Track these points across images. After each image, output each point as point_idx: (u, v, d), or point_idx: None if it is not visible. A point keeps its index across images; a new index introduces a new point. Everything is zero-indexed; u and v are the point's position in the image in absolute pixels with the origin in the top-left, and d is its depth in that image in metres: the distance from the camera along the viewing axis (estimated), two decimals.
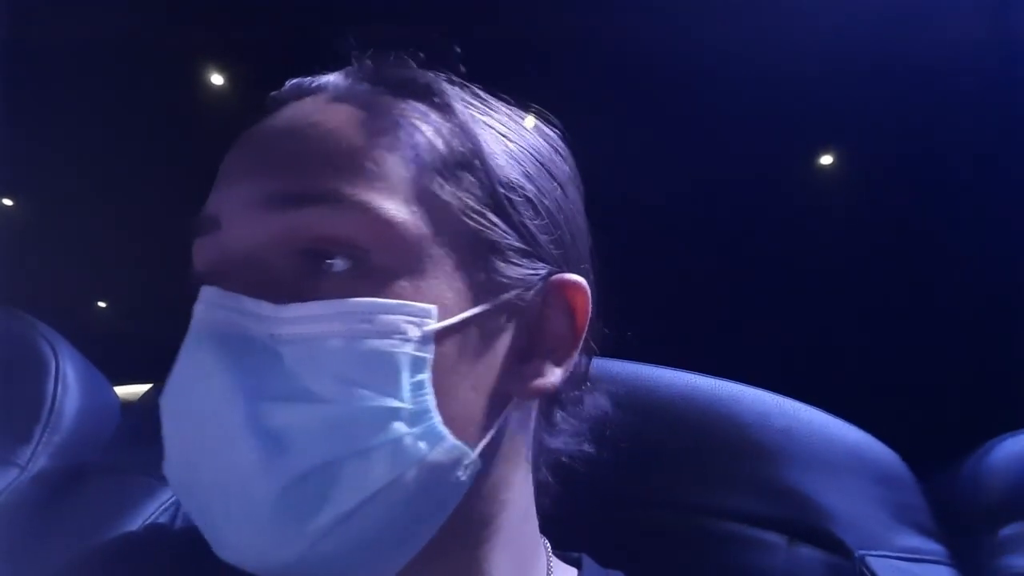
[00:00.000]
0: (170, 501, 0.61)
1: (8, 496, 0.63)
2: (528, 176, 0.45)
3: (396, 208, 0.40)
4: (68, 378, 0.70)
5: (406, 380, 0.38)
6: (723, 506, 0.62)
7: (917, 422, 1.08)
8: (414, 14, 1.22)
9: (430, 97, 0.44)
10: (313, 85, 0.46)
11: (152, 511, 0.60)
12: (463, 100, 0.45)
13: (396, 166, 0.41)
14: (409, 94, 0.44)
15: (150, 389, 0.72)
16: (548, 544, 0.52)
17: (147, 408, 0.70)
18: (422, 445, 0.38)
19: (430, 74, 0.46)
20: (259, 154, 0.42)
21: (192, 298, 0.40)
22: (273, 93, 0.47)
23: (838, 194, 1.34)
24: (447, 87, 0.45)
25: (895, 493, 0.63)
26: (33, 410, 0.67)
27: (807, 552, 0.60)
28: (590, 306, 0.46)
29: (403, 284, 0.39)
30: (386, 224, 0.39)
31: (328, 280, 0.39)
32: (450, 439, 0.39)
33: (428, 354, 0.38)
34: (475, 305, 0.41)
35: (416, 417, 0.38)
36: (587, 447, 0.52)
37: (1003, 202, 1.20)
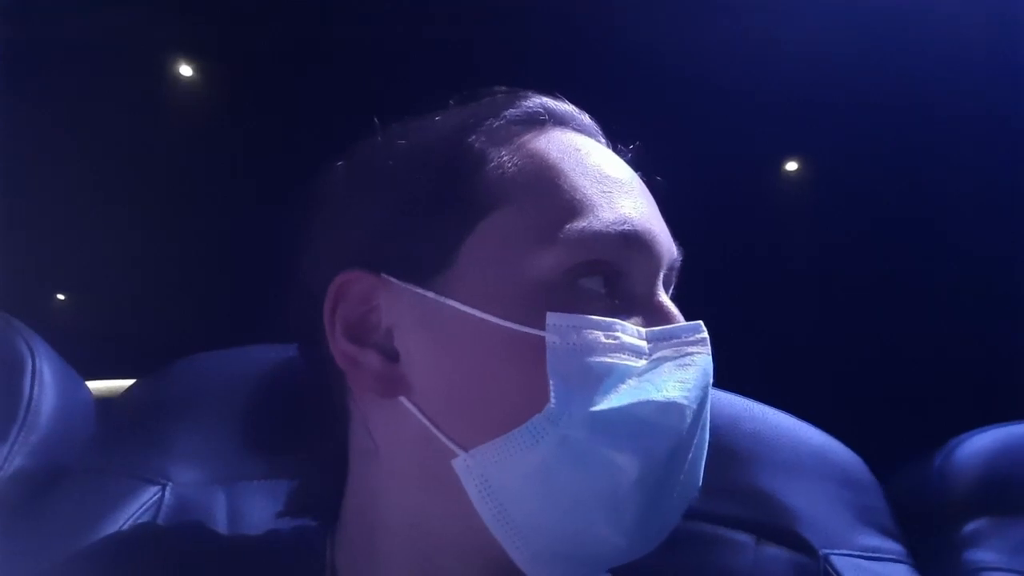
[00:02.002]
0: (152, 500, 0.62)
1: None
2: None
3: None
4: (44, 376, 0.69)
5: None
6: (693, 507, 0.64)
7: (880, 423, 1.11)
8: (389, 11, 1.23)
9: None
10: (593, 126, 0.51)
11: (135, 511, 0.60)
12: None
13: None
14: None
15: (130, 388, 0.71)
16: None
17: (126, 408, 0.70)
18: None
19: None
20: (628, 172, 0.48)
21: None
22: (563, 109, 0.50)
23: (801, 199, 1.37)
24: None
25: (858, 495, 0.66)
26: (9, 409, 0.66)
27: (774, 551, 0.62)
28: None
29: None
30: None
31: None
32: None
33: None
34: None
35: None
36: None
37: (967, 207, 1.24)
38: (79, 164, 1.37)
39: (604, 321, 0.41)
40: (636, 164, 0.50)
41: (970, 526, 0.66)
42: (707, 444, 0.46)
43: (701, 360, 0.43)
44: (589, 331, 0.41)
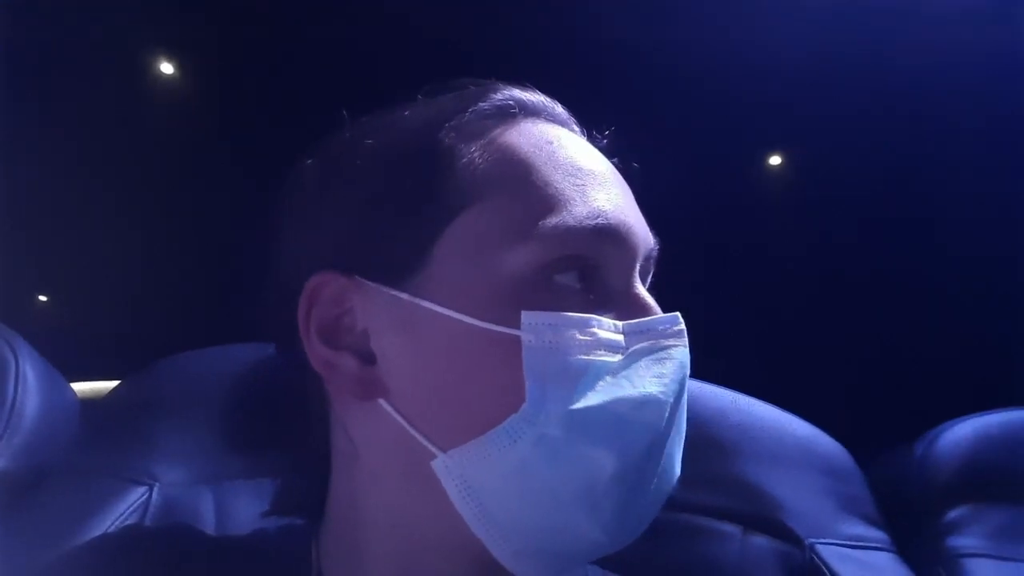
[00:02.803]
0: (139, 501, 0.61)
1: None
2: None
3: None
4: (28, 378, 0.69)
5: None
6: (680, 499, 0.64)
7: (863, 414, 1.12)
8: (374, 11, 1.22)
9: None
10: (565, 115, 0.50)
11: (122, 511, 0.60)
12: None
13: None
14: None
15: (114, 389, 0.71)
16: None
17: (111, 409, 0.70)
18: None
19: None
20: (606, 165, 0.47)
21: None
22: (538, 100, 0.49)
23: (785, 194, 1.38)
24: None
25: (842, 484, 0.66)
26: None
27: (760, 541, 0.63)
28: None
29: None
30: None
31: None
32: None
33: None
34: None
35: None
36: None
37: (951, 199, 1.25)
38: (60, 165, 1.36)
39: (580, 318, 0.41)
40: (611, 151, 0.50)
41: (952, 513, 0.67)
42: (684, 435, 0.46)
43: (678, 353, 0.43)
44: (565, 329, 0.40)
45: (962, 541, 0.66)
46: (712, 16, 1.20)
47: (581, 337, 0.41)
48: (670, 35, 1.22)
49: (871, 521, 0.66)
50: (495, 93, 0.47)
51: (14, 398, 0.67)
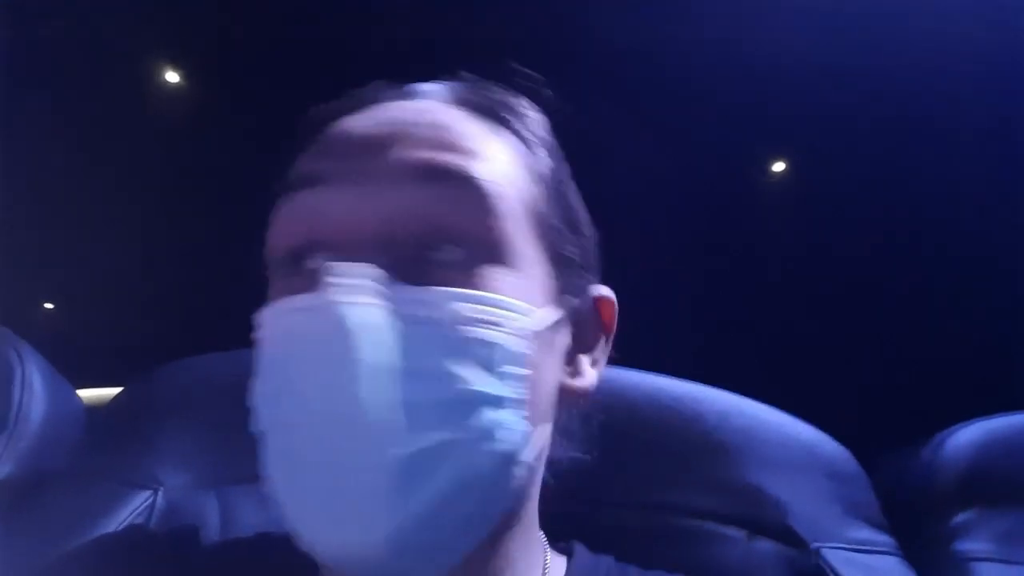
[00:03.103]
0: (144, 505, 0.61)
1: None
2: (580, 200, 0.50)
3: (513, 206, 0.43)
4: (34, 384, 0.69)
5: (510, 371, 0.40)
6: (685, 503, 0.65)
7: (868, 417, 1.12)
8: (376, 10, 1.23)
9: (525, 119, 0.48)
10: (415, 91, 0.48)
11: (125, 516, 0.60)
12: (548, 127, 0.50)
13: (512, 172, 0.44)
14: (510, 116, 0.48)
15: (119, 394, 0.71)
16: (544, 536, 0.54)
17: (115, 414, 0.70)
18: (514, 435, 0.40)
19: (523, 100, 0.49)
20: (395, 129, 0.42)
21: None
22: (358, 90, 0.48)
23: (788, 196, 1.38)
24: (539, 114, 0.50)
25: (847, 488, 0.66)
26: None
27: (766, 545, 0.62)
28: (616, 315, 0.51)
29: (510, 280, 0.41)
30: (503, 218, 0.42)
31: (441, 266, 0.40)
32: (530, 431, 0.42)
33: (528, 350, 0.41)
34: (556, 309, 0.45)
35: (514, 408, 0.40)
36: (576, 454, 0.54)
37: (953, 200, 1.25)
38: (66, 172, 1.37)
39: (269, 308, 0.41)
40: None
41: (959, 517, 0.66)
42: (393, 402, 0.37)
43: (316, 327, 0.38)
44: (264, 320, 0.41)
45: (969, 545, 0.66)
46: (715, 21, 1.21)
47: (269, 326, 0.41)
48: (673, 40, 1.22)
49: (877, 525, 0.66)
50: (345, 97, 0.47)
51: (20, 403, 0.68)
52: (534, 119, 0.49)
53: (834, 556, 0.61)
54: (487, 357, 0.39)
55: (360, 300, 0.37)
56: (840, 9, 1.21)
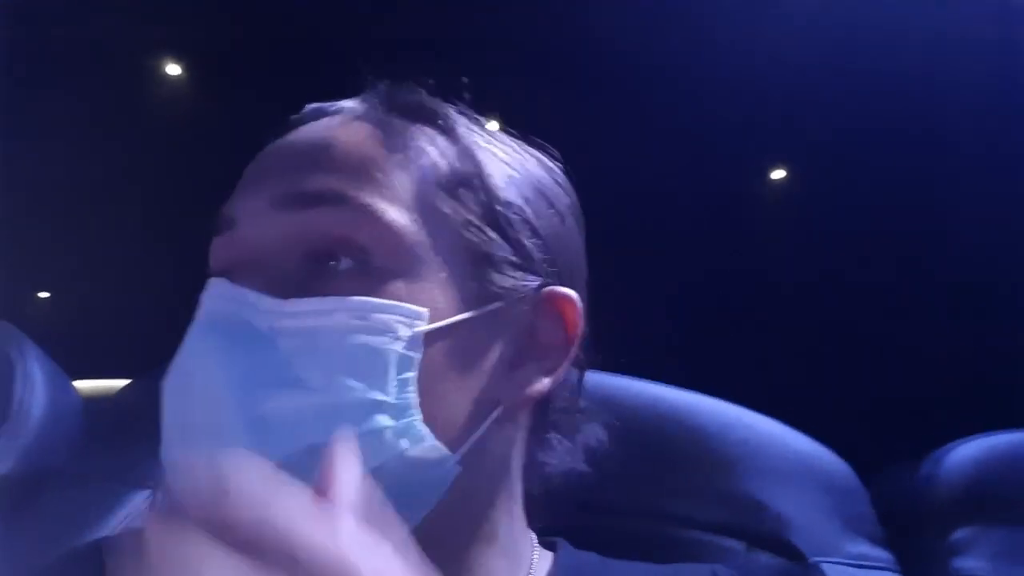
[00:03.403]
0: (143, 505, 0.61)
1: None
2: (526, 199, 0.48)
3: (397, 214, 0.43)
4: (34, 379, 0.69)
5: (392, 376, 0.40)
6: (684, 514, 0.65)
7: (868, 431, 1.12)
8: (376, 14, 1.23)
9: (437, 122, 0.48)
10: (332, 108, 0.49)
11: (124, 516, 0.60)
12: (467, 127, 0.49)
13: (401, 178, 0.44)
14: (419, 118, 0.48)
15: (119, 392, 0.71)
16: (535, 537, 0.54)
17: (114, 413, 0.70)
18: (402, 440, 0.40)
19: (438, 101, 0.49)
20: (276, 161, 0.46)
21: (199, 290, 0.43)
22: (293, 116, 0.50)
23: (789, 207, 1.38)
24: (453, 114, 0.49)
25: (847, 502, 0.66)
26: None
27: (764, 559, 0.62)
28: (581, 319, 0.48)
29: (399, 286, 0.41)
30: (387, 228, 0.42)
31: (331, 279, 0.41)
32: (430, 438, 0.41)
33: (416, 354, 0.41)
34: (466, 311, 0.43)
35: (399, 412, 0.40)
36: (580, 466, 0.54)
37: (958, 217, 1.25)
38: (66, 164, 1.36)
39: None
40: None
41: (958, 534, 0.67)
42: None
43: (187, 346, 0.42)
44: None
45: (966, 562, 0.66)
46: (713, 28, 1.21)
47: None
48: (671, 46, 1.22)
49: (875, 540, 0.66)
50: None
51: (20, 398, 0.67)
52: (453, 120, 0.49)
53: (832, 571, 0.61)
54: (366, 362, 0.39)
55: (220, 318, 0.41)
56: (840, 17, 1.21)
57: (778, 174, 1.39)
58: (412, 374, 0.40)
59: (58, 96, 1.32)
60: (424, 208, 0.44)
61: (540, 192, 0.49)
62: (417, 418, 0.40)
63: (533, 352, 0.47)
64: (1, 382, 0.68)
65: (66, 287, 1.50)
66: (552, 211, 0.50)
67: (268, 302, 0.40)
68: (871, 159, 1.29)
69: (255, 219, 0.43)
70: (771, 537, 0.63)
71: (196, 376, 0.40)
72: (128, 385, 0.71)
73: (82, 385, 0.83)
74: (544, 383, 0.47)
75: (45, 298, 1.51)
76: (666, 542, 0.64)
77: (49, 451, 0.68)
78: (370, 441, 0.38)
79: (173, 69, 1.42)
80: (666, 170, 1.26)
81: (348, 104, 0.49)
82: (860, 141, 1.29)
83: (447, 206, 0.45)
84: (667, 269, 1.22)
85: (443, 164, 0.46)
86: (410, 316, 0.41)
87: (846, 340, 1.26)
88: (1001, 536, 0.67)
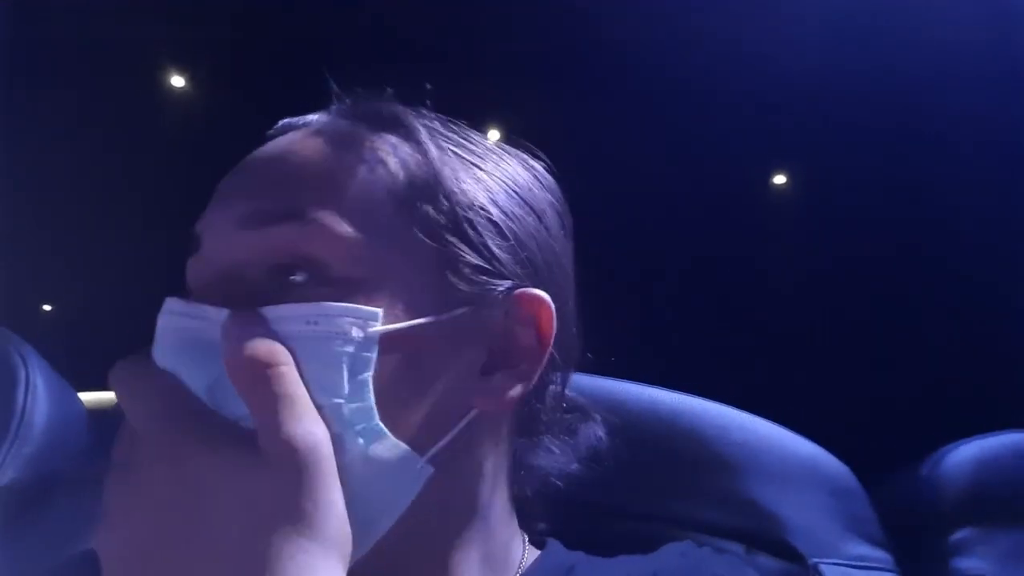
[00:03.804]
0: None
1: None
2: (494, 202, 0.48)
3: (351, 226, 0.43)
4: (38, 388, 0.69)
5: (346, 379, 0.40)
6: (684, 516, 0.65)
7: (868, 433, 1.12)
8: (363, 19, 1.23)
9: (398, 128, 0.48)
10: (300, 123, 0.50)
11: None
12: (430, 131, 0.49)
13: (358, 189, 0.45)
14: (381, 127, 0.48)
15: None
16: (526, 537, 0.54)
17: (118, 423, 0.70)
18: (360, 441, 0.40)
19: (399, 108, 0.49)
20: (241, 179, 0.47)
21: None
22: (268, 132, 0.51)
23: (790, 210, 1.38)
24: (414, 120, 0.49)
25: (846, 503, 0.66)
26: (2, 421, 0.66)
27: (764, 561, 0.63)
28: (554, 320, 0.48)
29: (357, 295, 0.42)
30: (341, 240, 0.43)
31: (292, 291, 0.42)
32: (391, 439, 0.41)
33: (372, 354, 0.41)
34: (434, 316, 0.44)
35: (357, 415, 0.40)
36: (576, 467, 0.54)
37: (959, 219, 1.25)
38: (71, 174, 1.37)
39: None
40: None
41: (957, 535, 0.67)
42: None
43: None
44: None
45: (967, 563, 0.66)
46: (715, 31, 1.21)
47: None
48: (673, 48, 1.22)
49: (875, 542, 0.66)
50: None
51: (24, 407, 0.68)
52: (415, 126, 0.48)
53: (832, 572, 0.61)
54: (320, 366, 0.39)
55: (177, 335, 0.41)
56: (843, 21, 1.21)
57: (779, 179, 1.39)
58: (368, 375, 0.40)
59: (61, 105, 1.32)
60: (380, 217, 0.44)
61: (514, 193, 0.49)
62: (376, 419, 0.40)
63: (508, 357, 0.47)
64: (4, 392, 0.68)
65: (70, 297, 1.50)
66: (526, 211, 0.49)
67: (223, 313, 0.40)
68: (872, 164, 1.30)
69: (221, 238, 0.44)
70: (770, 539, 0.63)
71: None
72: None
73: (87, 397, 0.84)
74: (518, 388, 0.46)
75: (49, 309, 1.52)
76: (666, 543, 0.64)
77: (53, 461, 0.68)
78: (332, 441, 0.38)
79: (178, 80, 1.43)
80: (668, 174, 1.26)
81: (314, 117, 0.50)
82: (862, 146, 1.29)
83: (405, 213, 0.45)
84: (667, 271, 1.22)
85: (402, 171, 0.46)
86: (363, 317, 0.41)
87: (845, 341, 1.27)
88: (1001, 537, 0.67)
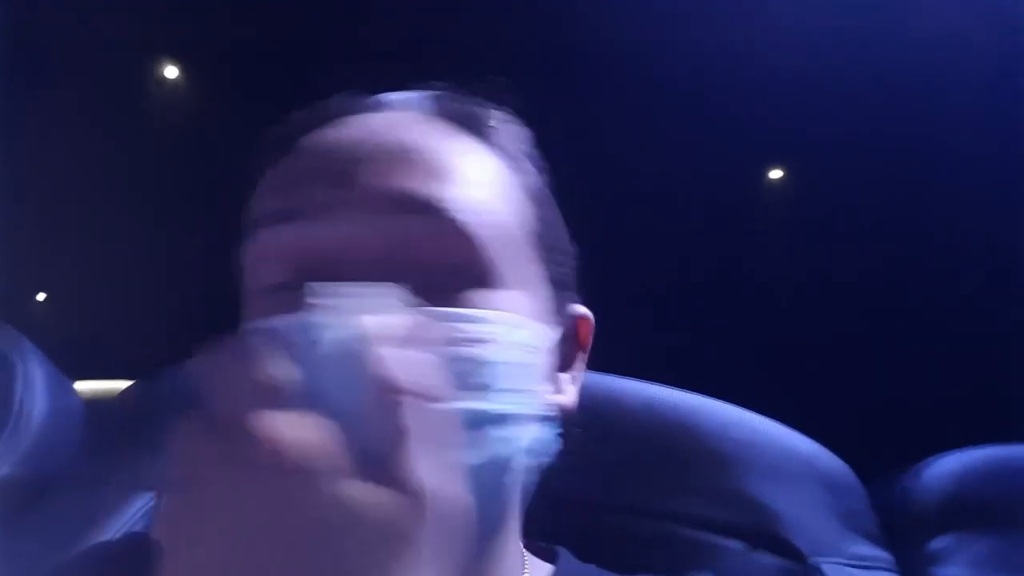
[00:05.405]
0: (145, 508, 0.61)
1: None
2: (557, 214, 0.49)
3: (495, 230, 0.42)
4: (34, 382, 0.69)
5: (514, 388, 0.40)
6: (684, 513, 0.65)
7: (868, 432, 1.12)
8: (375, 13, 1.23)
9: (501, 136, 0.47)
10: (396, 102, 0.47)
11: (127, 518, 0.60)
12: (527, 143, 0.49)
13: (496, 191, 0.44)
14: (483, 132, 0.47)
15: (121, 393, 0.71)
16: (522, 545, 0.53)
17: (117, 416, 0.70)
18: (513, 451, 0.40)
19: (500, 114, 0.48)
20: (360, 154, 0.42)
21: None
22: (331, 102, 0.47)
23: (792, 208, 1.38)
24: (516, 129, 0.49)
25: (845, 502, 0.66)
26: None
27: (764, 558, 0.63)
28: (591, 335, 0.51)
29: (502, 301, 0.41)
30: (488, 246, 0.41)
31: (436, 289, 0.39)
32: (524, 446, 0.41)
33: (532, 366, 0.42)
34: (553, 328, 0.45)
35: (515, 423, 0.40)
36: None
37: (952, 221, 1.25)
38: (66, 165, 1.36)
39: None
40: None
41: (935, 542, 0.67)
42: None
43: None
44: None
45: (946, 570, 0.66)
46: (713, 29, 1.21)
47: None
48: (670, 47, 1.22)
49: (874, 540, 0.66)
50: (314, 110, 0.47)
51: (20, 401, 0.67)
52: (515, 132, 0.48)
53: (832, 571, 0.62)
54: (489, 375, 0.39)
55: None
56: (842, 20, 1.21)
57: (776, 174, 1.39)
58: (529, 387, 0.41)
59: (59, 99, 1.32)
60: (516, 227, 0.44)
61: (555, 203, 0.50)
62: (522, 429, 0.41)
63: (563, 364, 0.49)
64: (2, 385, 0.68)
65: (65, 289, 1.50)
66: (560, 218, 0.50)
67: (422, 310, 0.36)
68: (870, 162, 1.30)
69: (346, 214, 0.40)
70: (771, 537, 0.63)
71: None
72: (130, 387, 0.71)
73: (83, 387, 0.83)
74: (572, 392, 0.49)
75: (44, 300, 1.51)
76: (666, 542, 0.64)
77: (50, 454, 0.68)
78: (496, 453, 0.39)
79: (172, 71, 1.42)
80: (665, 171, 1.26)
81: (402, 99, 0.47)
82: (858, 143, 1.29)
83: (533, 223, 0.45)
84: (666, 270, 1.22)
85: (528, 180, 0.47)
86: (525, 328, 0.41)
87: (845, 342, 1.27)
88: (979, 544, 0.68)
